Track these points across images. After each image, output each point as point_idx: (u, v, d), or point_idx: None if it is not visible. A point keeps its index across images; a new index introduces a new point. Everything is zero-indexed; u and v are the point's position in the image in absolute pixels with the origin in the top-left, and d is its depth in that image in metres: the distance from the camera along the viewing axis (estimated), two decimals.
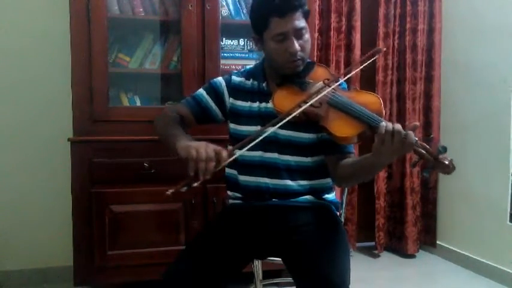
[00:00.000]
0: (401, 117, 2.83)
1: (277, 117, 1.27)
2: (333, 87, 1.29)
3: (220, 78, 1.50)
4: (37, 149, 2.34)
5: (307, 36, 1.34)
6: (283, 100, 1.33)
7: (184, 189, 1.15)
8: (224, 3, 2.21)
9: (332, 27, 2.65)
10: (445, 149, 1.09)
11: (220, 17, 2.13)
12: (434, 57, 2.84)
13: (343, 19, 2.67)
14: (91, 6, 1.96)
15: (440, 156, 1.09)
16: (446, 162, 1.08)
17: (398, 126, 1.09)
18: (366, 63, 1.34)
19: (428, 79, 2.87)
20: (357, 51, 2.69)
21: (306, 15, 1.35)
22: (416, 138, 1.10)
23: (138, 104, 2.19)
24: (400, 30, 2.81)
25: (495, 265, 2.45)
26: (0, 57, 2.28)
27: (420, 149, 1.10)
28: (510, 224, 2.36)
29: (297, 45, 1.31)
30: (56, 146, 2.25)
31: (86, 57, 1.97)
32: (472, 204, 2.63)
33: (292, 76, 1.36)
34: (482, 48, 2.55)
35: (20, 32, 2.30)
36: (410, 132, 1.08)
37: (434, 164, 1.09)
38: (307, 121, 1.29)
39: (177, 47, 2.15)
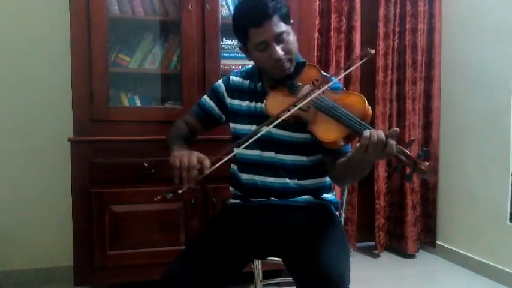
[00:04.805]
0: (401, 117, 2.83)
1: (265, 121, 1.30)
2: (319, 92, 1.28)
3: (220, 81, 1.54)
4: (37, 149, 2.34)
5: (290, 38, 1.34)
6: (273, 104, 1.34)
7: (169, 196, 1.21)
8: (224, 3, 2.21)
9: (332, 27, 2.65)
10: (425, 153, 1.07)
11: (220, 17, 2.12)
12: (434, 57, 2.84)
13: (343, 19, 2.67)
14: (91, 6, 1.95)
15: (420, 161, 1.07)
16: (424, 168, 1.06)
17: (380, 136, 1.09)
18: (355, 65, 1.34)
19: (428, 79, 2.87)
20: (357, 51, 2.69)
21: (285, 18, 1.33)
22: (395, 143, 1.10)
23: (138, 104, 2.19)
24: (400, 30, 2.81)
25: (495, 265, 2.45)
26: (1, 57, 2.29)
27: (400, 155, 1.09)
28: (510, 224, 2.36)
29: (279, 50, 1.31)
30: (56, 146, 2.25)
31: (86, 57, 1.97)
32: (472, 204, 2.63)
33: (283, 79, 1.37)
34: (482, 48, 2.55)
35: (20, 32, 2.30)
36: (392, 143, 1.08)
37: (415, 170, 1.08)
38: (297, 124, 1.30)
39: (177, 47, 2.15)
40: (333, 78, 1.34)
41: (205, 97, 1.55)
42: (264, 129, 1.27)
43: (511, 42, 2.35)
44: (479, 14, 2.58)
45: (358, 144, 1.13)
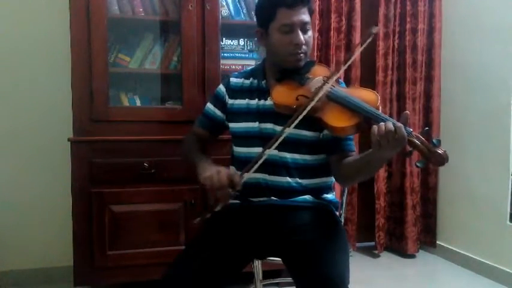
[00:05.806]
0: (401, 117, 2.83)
1: (275, 117, 1.30)
2: (335, 78, 1.28)
3: (221, 85, 1.54)
4: (37, 149, 2.34)
5: (310, 33, 1.38)
6: (281, 94, 1.34)
7: (208, 216, 1.29)
8: (224, 3, 2.21)
9: (332, 27, 2.65)
10: (439, 142, 1.10)
11: (220, 17, 2.13)
12: (434, 57, 2.84)
13: (343, 19, 2.67)
14: (91, 6, 1.95)
15: (435, 147, 1.09)
16: (440, 152, 1.09)
17: (388, 126, 1.10)
18: (364, 45, 1.33)
19: (428, 79, 2.87)
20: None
21: (311, 13, 1.38)
22: (411, 130, 1.12)
23: (138, 104, 2.19)
24: (400, 30, 2.81)
25: (495, 265, 2.45)
26: (1, 57, 2.29)
27: (415, 140, 1.11)
28: (510, 224, 2.36)
29: (302, 37, 1.34)
30: (56, 146, 2.25)
31: (86, 57, 1.97)
32: (472, 204, 2.63)
33: (292, 72, 1.38)
34: (482, 48, 2.55)
35: (20, 32, 2.30)
36: (400, 125, 1.10)
37: (429, 155, 1.10)
38: (304, 117, 1.29)
39: (177, 47, 2.15)
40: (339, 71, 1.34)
41: (208, 104, 1.55)
42: (290, 128, 1.26)
43: (511, 42, 2.35)
44: (479, 13, 2.58)
45: (371, 139, 1.13)
